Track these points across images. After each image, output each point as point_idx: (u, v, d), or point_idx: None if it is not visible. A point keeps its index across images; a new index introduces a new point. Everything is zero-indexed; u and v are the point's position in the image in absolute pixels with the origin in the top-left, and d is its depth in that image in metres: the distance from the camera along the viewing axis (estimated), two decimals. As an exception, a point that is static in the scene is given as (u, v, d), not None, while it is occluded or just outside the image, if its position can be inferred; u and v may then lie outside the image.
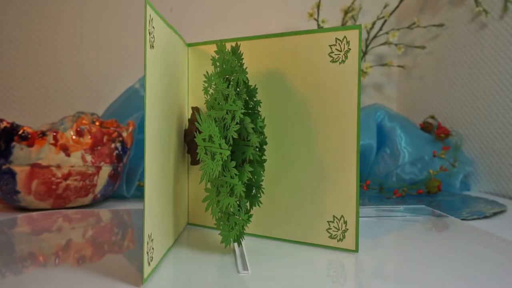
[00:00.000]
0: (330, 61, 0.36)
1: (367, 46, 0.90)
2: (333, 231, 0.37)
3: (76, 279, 0.30)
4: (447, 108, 0.81)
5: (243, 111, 0.34)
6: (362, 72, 0.89)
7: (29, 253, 0.36)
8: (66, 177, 0.54)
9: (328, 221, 0.37)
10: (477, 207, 0.57)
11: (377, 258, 0.35)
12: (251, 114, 0.37)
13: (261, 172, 0.37)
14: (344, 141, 0.36)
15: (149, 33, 0.31)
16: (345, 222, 0.36)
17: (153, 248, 0.31)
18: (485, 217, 0.52)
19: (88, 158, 0.55)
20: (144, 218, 0.29)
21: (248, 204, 0.37)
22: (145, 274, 0.28)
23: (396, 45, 0.88)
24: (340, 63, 0.36)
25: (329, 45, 0.36)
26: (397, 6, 0.86)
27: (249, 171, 0.35)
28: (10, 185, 0.53)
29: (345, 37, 0.36)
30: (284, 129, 0.39)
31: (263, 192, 0.39)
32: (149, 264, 0.30)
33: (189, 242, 0.39)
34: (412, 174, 0.72)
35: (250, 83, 0.39)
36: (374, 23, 0.88)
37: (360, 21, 0.92)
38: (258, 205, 0.38)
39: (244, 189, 0.34)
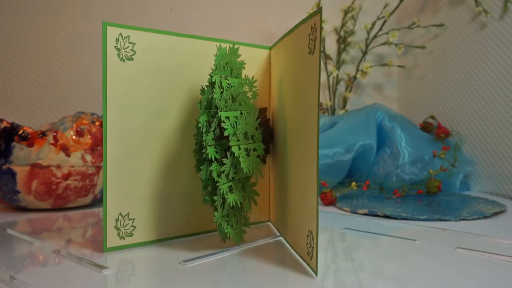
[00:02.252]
0: (308, 53, 0.32)
1: (367, 46, 0.90)
2: (308, 246, 0.32)
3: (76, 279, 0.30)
4: (447, 108, 0.81)
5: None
6: (362, 72, 0.89)
7: (29, 252, 0.36)
8: (66, 177, 0.54)
9: (306, 235, 0.32)
10: (477, 207, 0.57)
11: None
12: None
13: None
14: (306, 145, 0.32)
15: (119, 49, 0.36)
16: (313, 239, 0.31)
17: None
18: (485, 217, 0.52)
19: (88, 158, 0.55)
20: None
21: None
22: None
23: (396, 45, 0.88)
24: (311, 53, 0.31)
25: (308, 35, 0.32)
26: (397, 6, 0.86)
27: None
28: (10, 185, 0.53)
29: (315, 23, 0.31)
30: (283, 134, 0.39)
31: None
32: None
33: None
34: (412, 174, 0.72)
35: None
36: (374, 23, 0.88)
37: (360, 21, 0.92)
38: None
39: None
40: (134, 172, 0.37)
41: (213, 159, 0.35)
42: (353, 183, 0.68)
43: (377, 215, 0.54)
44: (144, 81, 0.37)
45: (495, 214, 0.54)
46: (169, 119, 0.39)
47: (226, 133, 0.35)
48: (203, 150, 0.35)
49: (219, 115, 0.35)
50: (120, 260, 0.34)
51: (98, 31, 0.90)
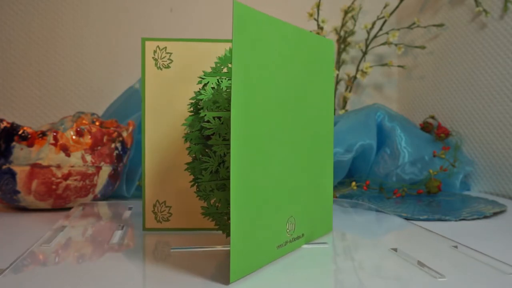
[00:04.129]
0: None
1: (367, 46, 0.90)
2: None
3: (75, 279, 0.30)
4: (447, 108, 0.81)
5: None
6: (362, 72, 0.89)
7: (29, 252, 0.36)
8: (66, 177, 0.54)
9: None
10: (477, 207, 0.57)
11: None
12: None
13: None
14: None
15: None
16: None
17: None
18: (485, 217, 0.52)
19: (88, 158, 0.55)
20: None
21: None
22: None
23: (396, 45, 0.88)
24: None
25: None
26: (397, 6, 0.86)
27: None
28: (10, 185, 0.53)
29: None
30: None
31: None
32: None
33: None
34: (412, 174, 0.72)
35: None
36: (374, 23, 0.88)
37: (360, 21, 0.92)
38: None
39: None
40: (170, 166, 0.42)
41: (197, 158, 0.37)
42: (353, 183, 0.68)
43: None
44: (180, 85, 0.42)
45: (495, 214, 0.54)
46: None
47: (207, 133, 0.35)
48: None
49: (202, 115, 0.36)
50: (157, 240, 0.40)
51: (98, 31, 0.90)
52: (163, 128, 0.42)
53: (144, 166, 0.42)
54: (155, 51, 0.42)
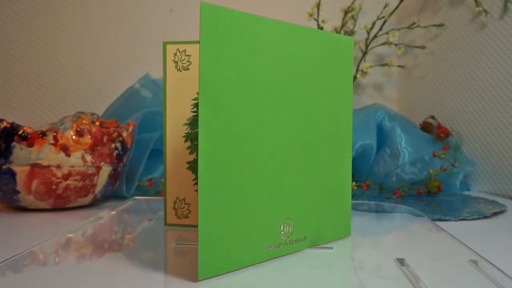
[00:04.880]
0: None
1: (367, 46, 0.90)
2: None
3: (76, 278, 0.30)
4: (447, 108, 0.81)
5: None
6: (362, 72, 0.89)
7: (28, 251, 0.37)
8: (66, 177, 0.54)
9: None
10: (477, 207, 0.57)
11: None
12: None
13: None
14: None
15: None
16: None
17: None
18: (485, 217, 0.52)
19: (88, 158, 0.55)
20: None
21: None
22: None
23: (396, 45, 0.88)
24: None
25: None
26: (397, 6, 0.86)
27: None
28: (10, 185, 0.53)
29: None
30: None
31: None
32: None
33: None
34: (412, 174, 0.72)
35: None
36: (374, 23, 0.88)
37: (360, 21, 0.92)
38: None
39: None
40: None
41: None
42: (353, 183, 0.67)
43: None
44: (198, 86, 0.42)
45: (495, 214, 0.54)
46: None
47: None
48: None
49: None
50: (177, 235, 0.42)
51: (98, 31, 0.90)
52: (183, 128, 0.43)
53: (166, 164, 0.44)
54: (175, 54, 0.44)
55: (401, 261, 0.33)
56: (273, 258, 0.34)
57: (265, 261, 0.33)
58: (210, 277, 0.29)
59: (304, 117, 0.36)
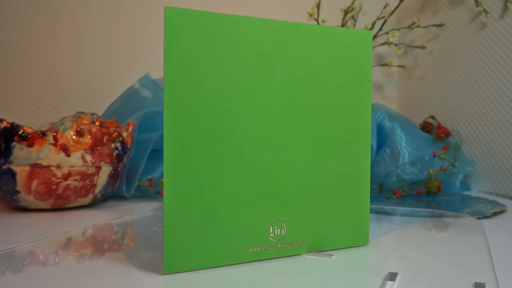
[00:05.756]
0: None
1: (367, 46, 0.90)
2: None
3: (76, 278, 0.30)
4: (447, 108, 0.81)
5: None
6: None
7: (28, 251, 0.37)
8: (66, 177, 0.54)
9: None
10: (477, 207, 0.57)
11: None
12: None
13: None
14: None
15: None
16: None
17: None
18: (485, 217, 0.52)
19: (88, 158, 0.55)
20: None
21: None
22: None
23: (396, 45, 0.88)
24: None
25: None
26: (397, 6, 0.86)
27: None
28: (10, 185, 0.53)
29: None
30: None
31: None
32: None
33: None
34: (412, 174, 0.72)
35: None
36: (374, 23, 0.88)
37: (360, 21, 0.92)
38: None
39: None
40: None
41: None
42: (353, 183, 0.67)
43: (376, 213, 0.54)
44: None
45: (495, 214, 0.54)
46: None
47: None
48: None
49: None
50: None
51: (98, 31, 0.90)
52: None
53: None
54: None
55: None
56: (261, 260, 0.33)
57: (250, 261, 0.33)
58: (179, 272, 0.30)
59: (301, 115, 0.34)
